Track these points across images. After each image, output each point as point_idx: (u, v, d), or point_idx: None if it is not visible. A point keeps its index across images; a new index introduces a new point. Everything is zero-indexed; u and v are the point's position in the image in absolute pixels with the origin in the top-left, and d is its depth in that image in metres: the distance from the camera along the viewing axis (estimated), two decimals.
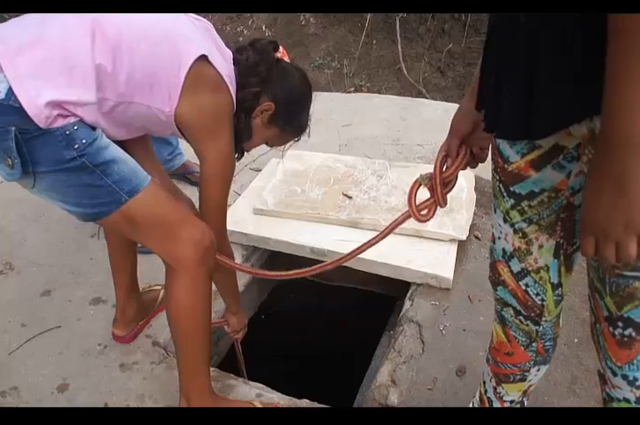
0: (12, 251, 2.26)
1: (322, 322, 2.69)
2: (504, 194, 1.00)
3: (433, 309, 1.93)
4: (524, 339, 1.17)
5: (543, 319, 1.12)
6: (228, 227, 2.23)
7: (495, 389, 1.29)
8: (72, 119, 1.13)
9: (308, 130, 1.59)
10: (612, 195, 0.69)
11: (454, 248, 2.10)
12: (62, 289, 2.05)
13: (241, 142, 1.49)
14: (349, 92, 5.16)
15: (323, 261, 2.12)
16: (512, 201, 0.99)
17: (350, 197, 2.35)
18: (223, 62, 1.34)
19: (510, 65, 0.82)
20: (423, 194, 1.15)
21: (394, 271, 2.06)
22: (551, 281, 1.05)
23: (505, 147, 0.95)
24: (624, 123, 0.65)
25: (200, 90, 1.27)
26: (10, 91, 1.07)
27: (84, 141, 1.14)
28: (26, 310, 1.96)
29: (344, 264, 2.11)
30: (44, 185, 1.20)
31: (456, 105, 3.51)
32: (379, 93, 4.85)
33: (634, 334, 0.95)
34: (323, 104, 3.41)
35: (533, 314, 1.11)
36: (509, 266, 1.08)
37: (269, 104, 1.42)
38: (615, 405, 1.02)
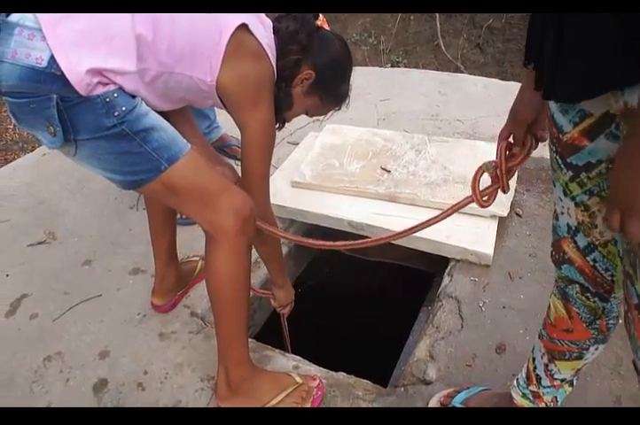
0: (54, 222, 2.29)
1: (358, 297, 2.69)
2: (562, 166, 0.96)
3: (473, 285, 1.91)
4: (587, 316, 1.13)
5: (612, 295, 1.08)
6: None
7: (546, 366, 1.26)
8: (112, 87, 1.13)
9: (347, 100, 1.57)
10: None
11: (494, 224, 2.06)
12: (102, 259, 2.08)
13: (282, 111, 1.47)
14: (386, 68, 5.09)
15: (360, 235, 2.13)
16: (571, 173, 0.95)
17: (389, 171, 2.32)
18: (263, 31, 1.32)
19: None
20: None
21: (433, 246, 2.03)
22: (620, 255, 1.01)
23: (559, 116, 0.91)
24: None
25: (241, 59, 1.26)
26: (52, 59, 1.06)
27: (124, 108, 1.13)
28: (68, 279, 1.99)
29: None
30: (85, 153, 1.20)
31: (497, 81, 3.43)
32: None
33: None
34: (361, 79, 3.35)
35: (602, 291, 1.07)
36: (575, 242, 1.04)
37: (310, 73, 1.40)
38: None
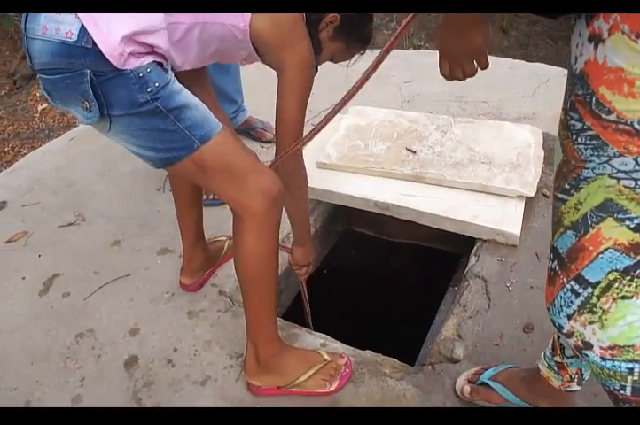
0: (83, 204, 2.32)
1: (383, 279, 2.69)
2: None
3: (500, 265, 1.90)
4: None
5: None
6: None
7: None
8: (145, 61, 1.13)
9: (372, 41, 1.53)
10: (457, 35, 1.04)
11: (521, 205, 2.05)
12: (131, 240, 2.11)
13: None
14: None
15: (385, 215, 2.13)
16: None
17: (414, 152, 2.31)
18: None
19: None
20: None
21: (459, 226, 2.02)
22: None
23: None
24: None
25: None
26: (82, 32, 1.07)
27: (157, 84, 1.14)
28: (97, 259, 2.02)
29: (407, 218, 2.10)
30: (119, 128, 1.20)
31: (522, 62, 3.38)
32: None
33: (557, 267, 0.99)
34: (384, 61, 3.34)
35: None
36: None
37: (334, 16, 1.37)
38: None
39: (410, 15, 1.13)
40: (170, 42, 1.18)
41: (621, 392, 1.00)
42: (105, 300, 1.85)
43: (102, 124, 1.19)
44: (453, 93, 2.97)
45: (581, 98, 0.84)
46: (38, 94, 6.52)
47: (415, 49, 5.66)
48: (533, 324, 1.69)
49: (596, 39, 0.79)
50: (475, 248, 2.02)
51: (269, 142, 2.63)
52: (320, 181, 2.25)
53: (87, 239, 2.13)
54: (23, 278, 1.96)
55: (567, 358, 1.27)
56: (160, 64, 1.18)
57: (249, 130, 2.69)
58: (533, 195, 2.05)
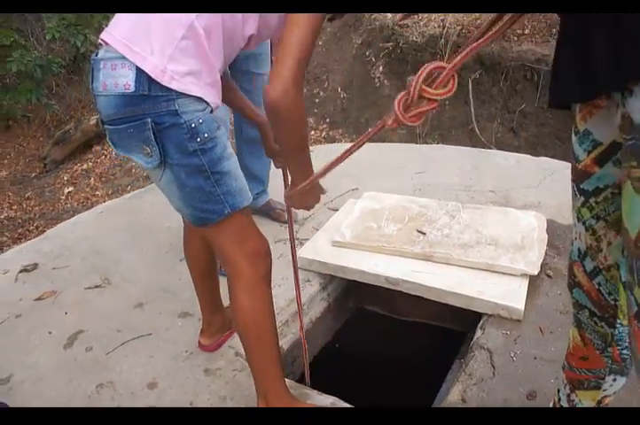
0: (110, 269, 2.47)
1: (393, 354, 2.74)
2: (576, 192, 1.10)
3: (504, 338, 1.98)
4: (599, 342, 1.22)
5: (618, 321, 1.17)
6: (307, 257, 2.38)
7: (568, 396, 1.33)
8: (188, 83, 1.25)
9: None
10: None
11: (525, 282, 2.16)
12: (153, 303, 2.22)
13: None
14: None
15: (395, 290, 2.25)
16: (582, 198, 1.08)
17: (424, 233, 2.46)
18: None
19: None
20: None
21: (465, 301, 2.12)
22: (622, 279, 1.12)
23: (576, 147, 1.06)
24: None
25: None
26: (137, 81, 1.22)
27: (206, 135, 1.29)
28: (121, 319, 2.13)
29: (415, 293, 2.20)
30: (169, 178, 1.34)
31: (528, 157, 3.60)
32: None
33: None
34: (398, 154, 3.59)
35: (607, 315, 1.17)
36: (583, 266, 1.16)
37: None
38: None
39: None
40: (200, 53, 1.27)
41: None
42: (126, 355, 1.94)
43: (157, 171, 1.34)
44: (462, 183, 3.16)
45: None
46: (65, 177, 6.87)
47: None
48: (536, 391, 1.74)
49: None
50: (481, 322, 2.10)
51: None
52: (334, 257, 2.39)
53: (111, 301, 2.25)
54: (49, 332, 2.07)
55: None
56: (203, 101, 1.30)
57: (269, 211, 2.86)
58: (536, 273, 2.17)
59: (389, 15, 7.59)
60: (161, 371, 1.87)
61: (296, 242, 1.86)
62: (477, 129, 5.70)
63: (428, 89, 0.90)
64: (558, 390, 1.38)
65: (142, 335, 2.04)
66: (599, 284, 1.15)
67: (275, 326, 1.54)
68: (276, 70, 1.20)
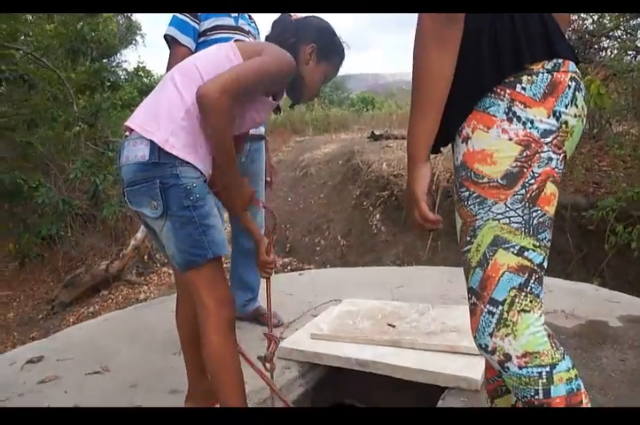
0: (109, 360, 2.71)
1: None
2: None
3: (463, 404, 2.15)
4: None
5: None
6: (286, 347, 2.62)
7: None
8: (186, 151, 1.69)
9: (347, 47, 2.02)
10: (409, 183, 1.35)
11: (483, 360, 2.37)
12: (146, 384, 2.43)
13: (301, 91, 2.00)
14: None
15: (365, 372, 2.45)
16: None
17: (394, 326, 2.72)
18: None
19: None
20: None
21: (430, 377, 2.32)
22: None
23: None
24: None
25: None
26: (150, 152, 1.66)
27: (198, 195, 1.69)
28: (116, 398, 2.33)
29: (383, 373, 2.42)
30: (169, 226, 1.69)
31: None
32: None
33: (475, 300, 1.28)
34: (380, 273, 3.93)
35: None
36: None
37: (312, 46, 1.91)
38: (506, 379, 1.28)
39: None
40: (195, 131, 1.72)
41: (536, 397, 1.22)
42: None
43: (160, 221, 1.70)
44: (437, 293, 3.45)
45: (465, 176, 1.26)
46: (71, 320, 7.11)
47: None
48: None
49: (465, 139, 1.26)
50: (443, 394, 2.28)
51: (276, 326, 3.02)
52: (311, 346, 2.63)
53: (109, 383, 2.46)
54: (48, 406, 2.26)
55: None
56: (198, 170, 1.72)
57: (257, 316, 3.10)
58: None
59: (385, 167, 8.35)
60: None
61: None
62: None
63: None
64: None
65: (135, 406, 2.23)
66: None
67: (239, 366, 1.81)
68: (220, 75, 1.63)
